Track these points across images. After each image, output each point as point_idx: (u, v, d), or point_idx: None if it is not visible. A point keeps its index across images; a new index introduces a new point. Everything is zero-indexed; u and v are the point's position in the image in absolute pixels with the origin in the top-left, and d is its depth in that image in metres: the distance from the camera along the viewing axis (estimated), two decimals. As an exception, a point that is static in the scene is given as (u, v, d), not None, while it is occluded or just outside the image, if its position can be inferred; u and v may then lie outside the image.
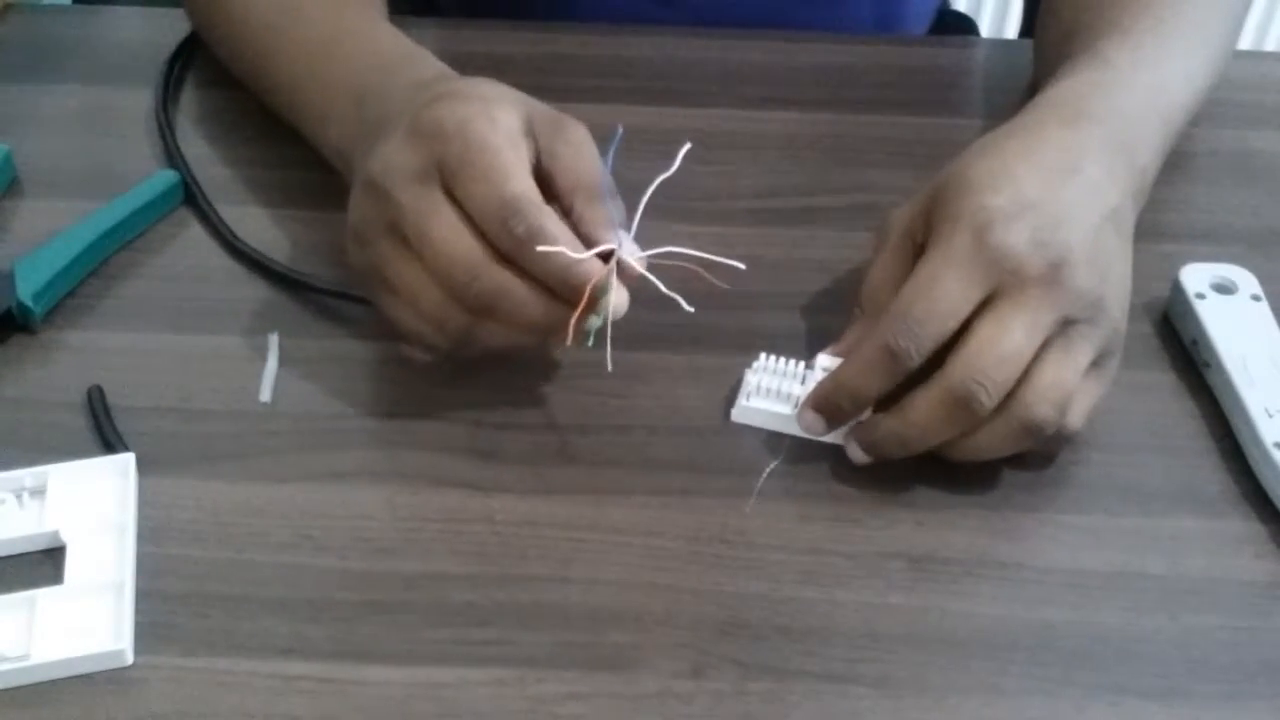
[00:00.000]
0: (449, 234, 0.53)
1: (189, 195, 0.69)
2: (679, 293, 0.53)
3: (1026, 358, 0.53)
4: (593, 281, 0.52)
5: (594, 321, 0.53)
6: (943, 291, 0.53)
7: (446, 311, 0.54)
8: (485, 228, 0.53)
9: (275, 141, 0.72)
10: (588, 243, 0.53)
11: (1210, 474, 0.58)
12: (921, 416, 0.54)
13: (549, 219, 0.52)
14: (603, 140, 0.54)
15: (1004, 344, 0.52)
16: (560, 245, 0.51)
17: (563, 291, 0.53)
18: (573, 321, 0.52)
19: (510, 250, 0.52)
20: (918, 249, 0.56)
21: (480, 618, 0.51)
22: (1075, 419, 0.55)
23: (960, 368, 0.52)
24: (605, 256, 0.53)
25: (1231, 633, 0.52)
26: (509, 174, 0.53)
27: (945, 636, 0.51)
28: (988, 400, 0.52)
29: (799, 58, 0.81)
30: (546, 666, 0.50)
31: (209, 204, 0.68)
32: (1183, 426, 0.60)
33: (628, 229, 0.54)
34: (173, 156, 0.71)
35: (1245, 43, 1.81)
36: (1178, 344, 0.63)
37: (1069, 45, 0.68)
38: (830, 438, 0.57)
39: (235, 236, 0.66)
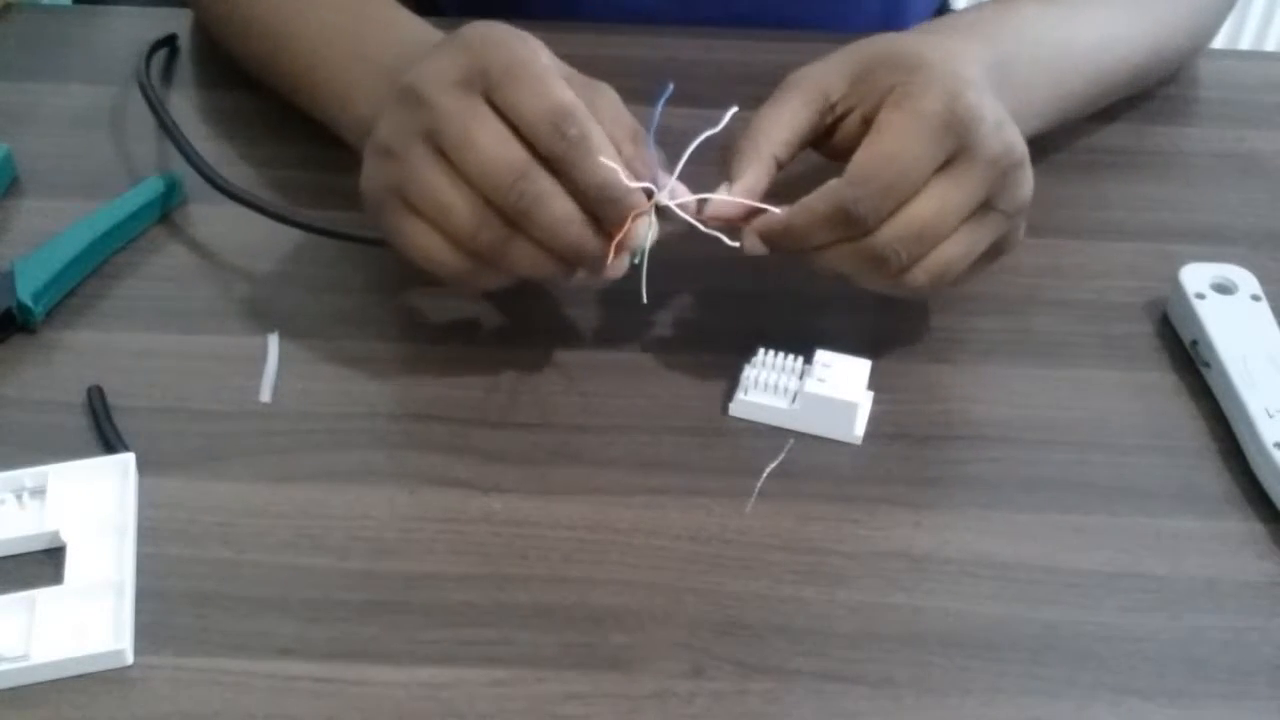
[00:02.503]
0: (494, 137, 0.52)
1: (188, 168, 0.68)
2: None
3: (947, 235, 0.55)
4: (634, 213, 0.53)
5: (624, 260, 0.55)
6: (910, 162, 0.53)
7: (479, 224, 0.53)
8: (533, 132, 0.52)
9: (271, 142, 0.72)
10: (638, 180, 0.54)
11: (1210, 474, 0.58)
12: (832, 263, 0.55)
13: (599, 130, 0.53)
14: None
15: (935, 223, 0.54)
16: (609, 156, 0.52)
17: (603, 209, 0.53)
18: (612, 246, 0.53)
19: (559, 153, 0.52)
20: (829, 104, 0.57)
21: (480, 618, 0.51)
22: (940, 290, 0.57)
23: (890, 229, 0.54)
24: (647, 195, 0.54)
25: (1231, 633, 0.52)
26: (558, 83, 0.53)
27: (945, 636, 0.51)
28: (897, 265, 0.54)
29: (799, 58, 0.81)
30: (546, 666, 0.50)
31: (205, 163, 0.67)
32: (1183, 426, 0.60)
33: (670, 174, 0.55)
34: (163, 123, 0.70)
35: (1245, 42, 1.81)
36: (1178, 344, 0.63)
37: None
38: (829, 430, 0.57)
39: (224, 179, 0.65)
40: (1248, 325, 0.62)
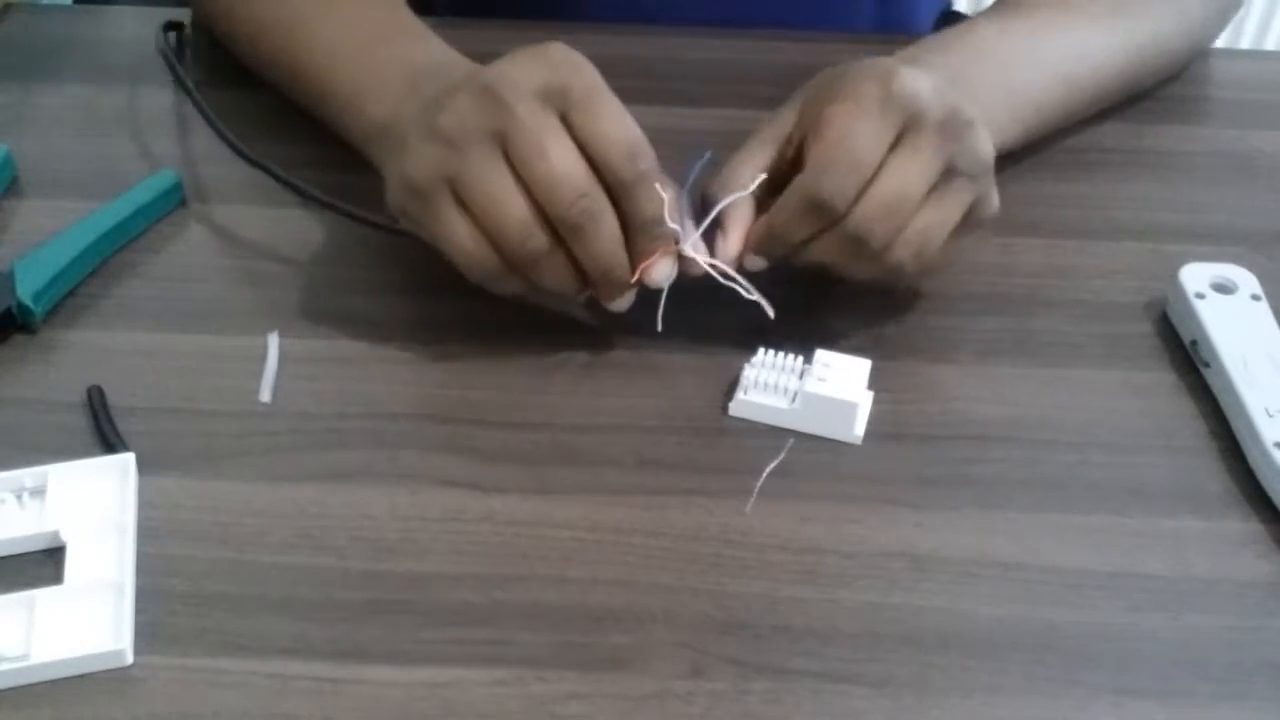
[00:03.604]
0: (564, 153, 0.55)
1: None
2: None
3: (916, 202, 0.56)
4: (659, 253, 0.57)
5: (630, 297, 0.58)
6: (858, 142, 0.55)
7: (527, 230, 0.55)
8: (608, 156, 0.55)
9: (277, 143, 0.72)
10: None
11: (1210, 474, 0.58)
12: (818, 252, 0.58)
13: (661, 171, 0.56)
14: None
15: (900, 194, 0.56)
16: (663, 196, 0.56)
17: (642, 240, 0.56)
18: (636, 273, 0.57)
19: (627, 182, 0.55)
20: (783, 138, 0.60)
21: (480, 618, 0.51)
22: (926, 268, 0.59)
23: (860, 212, 0.56)
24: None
25: (1232, 633, 0.52)
26: (630, 117, 0.56)
27: (945, 636, 0.51)
28: (878, 244, 0.56)
29: (799, 58, 0.81)
30: (546, 666, 0.50)
31: (238, 143, 0.67)
32: (1183, 426, 0.60)
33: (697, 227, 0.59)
34: (203, 112, 0.70)
35: (1245, 42, 1.81)
36: (1178, 344, 0.63)
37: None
38: (829, 430, 0.57)
39: (244, 145, 0.66)
40: (1248, 325, 0.62)
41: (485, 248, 0.56)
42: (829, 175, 0.55)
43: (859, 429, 0.58)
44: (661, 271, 0.58)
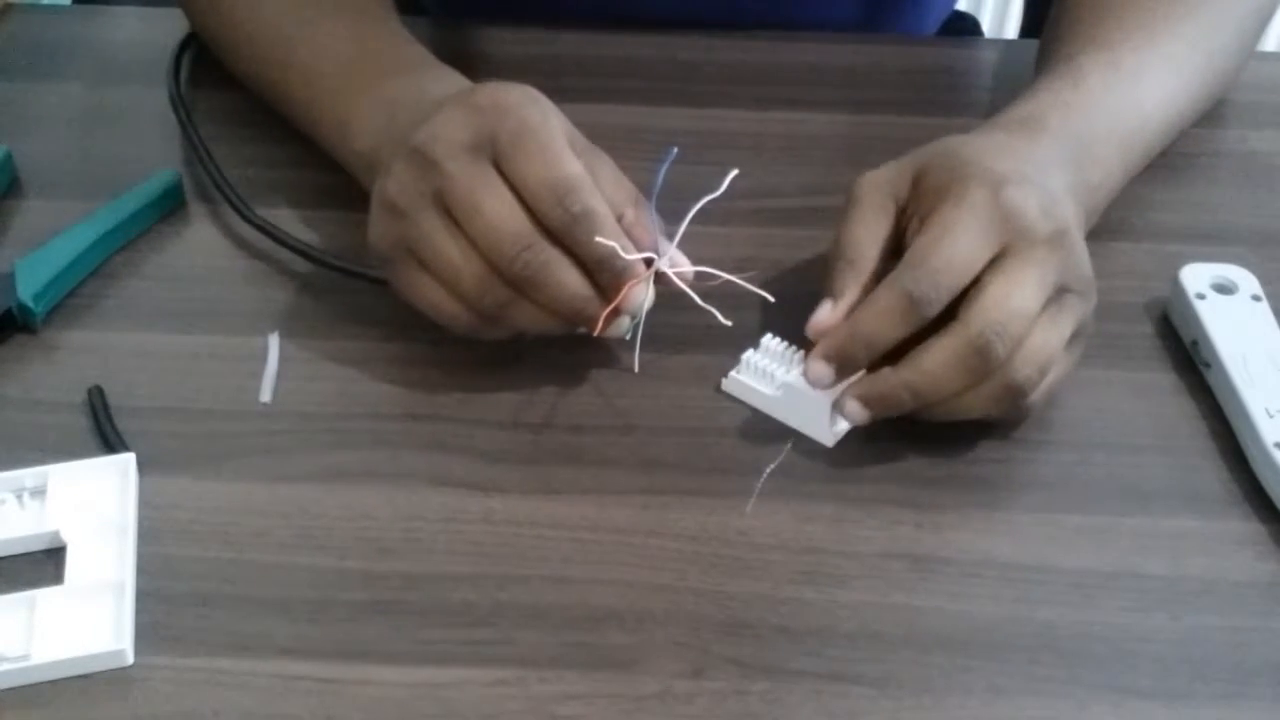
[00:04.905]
0: (500, 206, 0.54)
1: (200, 169, 0.69)
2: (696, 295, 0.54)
3: (1034, 315, 0.54)
4: (631, 283, 0.55)
5: (624, 322, 0.56)
6: (961, 243, 0.54)
7: (485, 286, 0.55)
8: (537, 203, 0.54)
9: (275, 143, 0.72)
10: (637, 246, 0.56)
11: (1210, 474, 0.58)
12: (937, 366, 0.54)
13: (601, 203, 0.54)
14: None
15: (1017, 299, 0.54)
16: (610, 230, 0.54)
17: (603, 278, 0.55)
18: (604, 314, 0.55)
19: (561, 227, 0.54)
20: (899, 209, 0.58)
21: (480, 618, 0.51)
22: (1044, 391, 0.56)
23: (978, 318, 0.53)
24: (646, 264, 0.56)
25: (1232, 633, 0.52)
26: (564, 154, 0.54)
27: (945, 636, 0.51)
28: (1002, 351, 0.53)
29: (799, 57, 0.81)
30: (546, 666, 0.50)
31: (222, 178, 0.68)
32: (1183, 426, 0.60)
33: (670, 240, 0.57)
34: (188, 134, 0.70)
35: (1246, 43, 1.81)
36: (1178, 344, 0.63)
37: (1059, 47, 0.70)
38: (808, 428, 0.58)
39: (246, 207, 0.66)
40: (1248, 325, 0.62)
41: (455, 305, 0.56)
42: (923, 271, 0.53)
43: (836, 429, 0.57)
44: (634, 300, 0.56)
